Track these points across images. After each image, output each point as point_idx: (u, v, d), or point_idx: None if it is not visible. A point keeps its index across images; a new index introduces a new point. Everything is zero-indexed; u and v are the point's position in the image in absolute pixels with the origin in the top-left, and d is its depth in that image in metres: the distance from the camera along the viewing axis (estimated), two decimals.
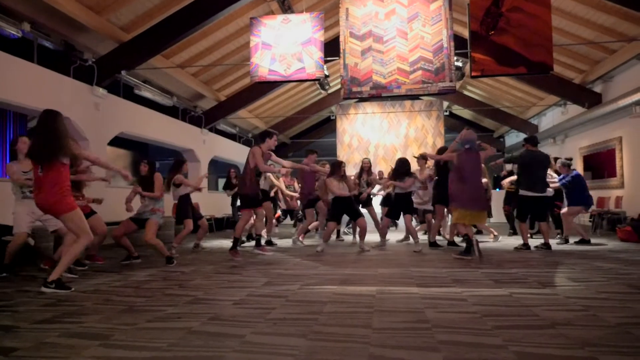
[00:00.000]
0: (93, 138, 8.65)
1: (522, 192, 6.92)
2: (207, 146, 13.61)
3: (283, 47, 8.79)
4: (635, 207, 9.62)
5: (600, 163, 11.95)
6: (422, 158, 8.26)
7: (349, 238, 9.36)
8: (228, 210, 13.17)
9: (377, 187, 9.20)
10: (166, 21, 8.54)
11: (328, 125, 19.88)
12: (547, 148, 15.04)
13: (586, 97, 11.68)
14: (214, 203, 13.32)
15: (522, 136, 17.13)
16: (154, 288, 4.24)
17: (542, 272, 4.84)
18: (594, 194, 11.88)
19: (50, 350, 2.46)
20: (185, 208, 7.16)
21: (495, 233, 8.37)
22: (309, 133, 21.12)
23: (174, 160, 7.43)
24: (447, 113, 18.10)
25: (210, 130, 13.83)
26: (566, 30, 10.00)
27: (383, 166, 16.57)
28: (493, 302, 3.46)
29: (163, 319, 3.07)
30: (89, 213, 5.89)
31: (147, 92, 10.67)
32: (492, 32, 8.36)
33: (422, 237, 8.55)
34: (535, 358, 2.22)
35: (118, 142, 11.78)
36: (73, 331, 2.80)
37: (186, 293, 3.97)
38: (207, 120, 13.30)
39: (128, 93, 10.29)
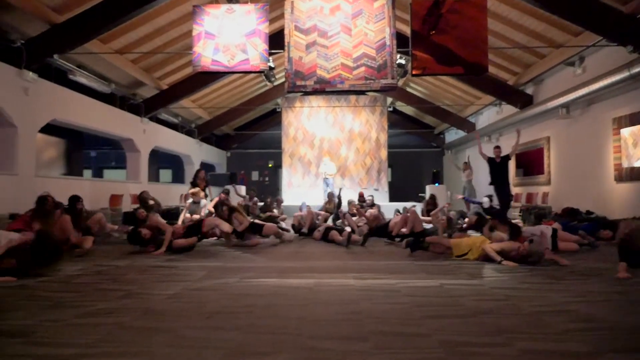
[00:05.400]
0: (22, 124, 8.17)
1: None
2: (147, 136, 13.18)
3: (227, 38, 8.64)
4: (559, 203, 10.30)
5: (531, 161, 12.69)
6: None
7: None
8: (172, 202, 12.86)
9: None
10: (103, 4, 8.15)
11: (273, 118, 19.80)
12: (483, 146, 15.74)
13: (519, 98, 12.35)
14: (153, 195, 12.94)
15: (461, 133, 17.85)
16: (85, 283, 4.09)
17: (472, 265, 5.10)
18: (524, 190, 12.66)
19: None
20: None
21: None
22: (254, 125, 20.95)
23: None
24: (391, 109, 18.53)
25: (151, 119, 13.38)
26: (501, 34, 10.50)
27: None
28: (424, 293, 3.62)
29: (93, 315, 2.98)
30: None
31: (82, 78, 10.16)
32: (433, 31, 8.62)
33: None
34: (456, 345, 2.36)
35: (50, 129, 11.16)
36: None
37: (119, 287, 3.86)
38: (148, 109, 12.86)
39: (61, 78, 9.74)
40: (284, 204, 12.78)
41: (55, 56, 8.79)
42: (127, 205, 10.84)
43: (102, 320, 2.83)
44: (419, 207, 9.85)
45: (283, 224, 9.20)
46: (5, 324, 2.76)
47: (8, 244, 4.24)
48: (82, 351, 2.28)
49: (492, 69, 11.10)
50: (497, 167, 9.02)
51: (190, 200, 9.27)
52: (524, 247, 5.04)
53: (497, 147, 9.36)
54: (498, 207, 9.03)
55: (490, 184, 9.09)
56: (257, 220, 7.86)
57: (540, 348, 2.33)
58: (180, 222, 8.18)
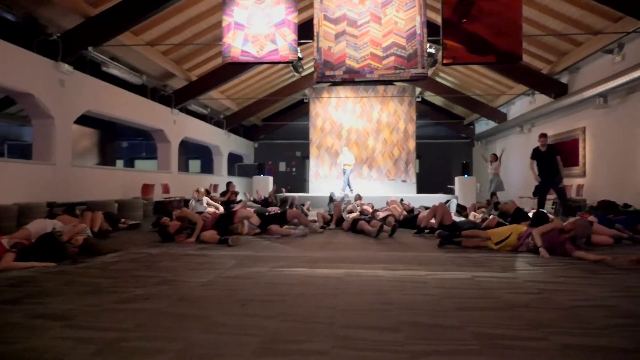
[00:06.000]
0: (59, 115, 8.41)
1: None
2: (177, 127, 13.40)
3: (256, 28, 8.67)
4: (594, 195, 10.01)
5: (565, 152, 12.31)
6: None
7: None
8: None
9: None
10: None
11: (301, 108, 19.80)
12: (515, 137, 15.43)
13: (553, 87, 11.99)
14: (183, 185, 13.19)
15: (491, 124, 17.49)
16: (121, 269, 4.21)
17: (504, 257, 5.01)
18: None
19: (13, 330, 2.43)
20: None
21: None
22: (281, 115, 21.02)
23: None
24: (420, 99, 18.29)
25: (181, 110, 13.60)
26: (535, 21, 10.20)
27: (355, 150, 16.68)
28: (455, 285, 3.58)
29: (130, 300, 3.06)
30: None
31: (115, 70, 10.39)
32: (465, 19, 8.43)
33: None
34: (491, 338, 2.33)
35: (85, 120, 11.47)
36: (36, 312, 2.77)
37: (154, 274, 3.95)
38: (178, 100, 13.06)
39: (95, 70, 9.99)
40: (312, 194, 12.84)
41: (90, 48, 9.00)
42: (159, 195, 11.07)
43: (139, 306, 2.91)
44: (453, 202, 9.72)
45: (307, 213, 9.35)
46: (46, 308, 2.86)
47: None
48: (121, 335, 2.34)
49: (525, 58, 10.79)
50: (543, 158, 8.55)
51: (193, 199, 9.46)
52: (570, 222, 5.00)
53: (543, 135, 8.78)
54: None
55: (539, 176, 8.65)
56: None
57: (579, 343, 2.27)
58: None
